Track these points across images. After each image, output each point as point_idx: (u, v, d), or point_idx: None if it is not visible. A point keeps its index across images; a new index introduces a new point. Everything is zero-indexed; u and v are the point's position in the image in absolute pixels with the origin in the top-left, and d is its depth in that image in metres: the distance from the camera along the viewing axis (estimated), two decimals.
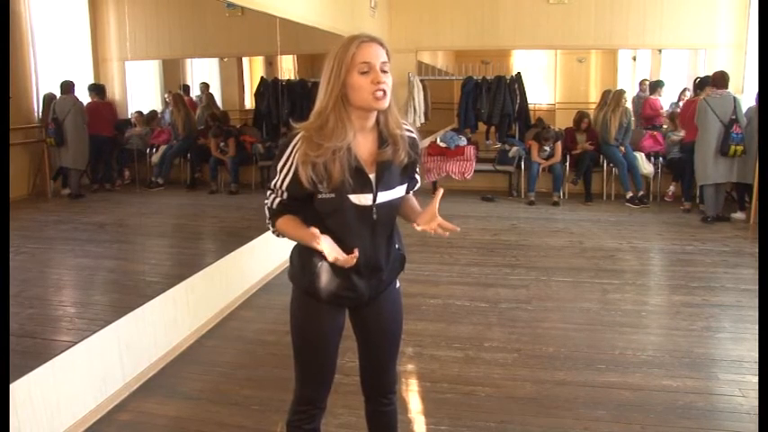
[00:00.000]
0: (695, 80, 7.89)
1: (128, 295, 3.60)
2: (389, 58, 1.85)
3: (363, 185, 1.87)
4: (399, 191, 1.96)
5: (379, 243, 1.96)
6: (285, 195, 1.90)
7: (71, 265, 3.75)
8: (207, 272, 4.16)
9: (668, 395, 3.14)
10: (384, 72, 1.82)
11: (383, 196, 1.91)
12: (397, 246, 2.04)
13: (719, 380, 3.31)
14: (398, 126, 1.92)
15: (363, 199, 1.88)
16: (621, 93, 8.10)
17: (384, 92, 1.81)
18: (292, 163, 1.84)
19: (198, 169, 5.39)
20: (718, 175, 6.78)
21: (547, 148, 8.09)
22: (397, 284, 2.13)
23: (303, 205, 1.90)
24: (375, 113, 1.89)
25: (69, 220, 3.89)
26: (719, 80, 6.83)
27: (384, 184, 1.90)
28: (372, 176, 1.88)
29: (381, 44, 1.85)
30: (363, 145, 1.89)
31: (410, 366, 3.53)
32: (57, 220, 3.83)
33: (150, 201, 4.55)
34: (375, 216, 1.91)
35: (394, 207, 1.97)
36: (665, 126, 8.24)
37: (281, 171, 1.87)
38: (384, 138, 1.90)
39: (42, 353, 2.81)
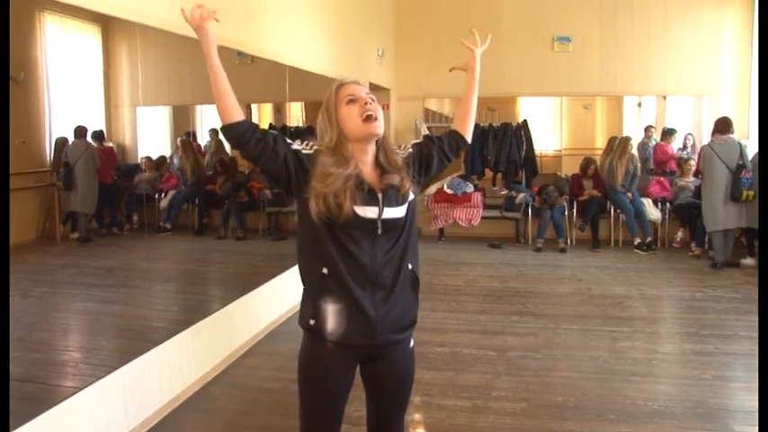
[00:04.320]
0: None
1: (134, 340, 3.58)
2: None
3: (370, 200, 1.90)
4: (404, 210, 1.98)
5: (386, 259, 1.93)
6: (277, 138, 1.91)
7: (78, 310, 3.75)
8: (213, 318, 4.13)
9: None
10: (371, 101, 1.94)
11: (389, 212, 1.92)
12: (410, 266, 2.00)
13: None
14: (394, 153, 2.01)
15: (369, 212, 1.90)
16: (628, 139, 8.16)
17: (374, 115, 1.91)
18: (295, 148, 1.91)
19: (206, 215, 5.42)
20: (727, 221, 6.76)
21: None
22: (411, 343, 2.09)
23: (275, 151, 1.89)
24: (373, 148, 1.96)
25: (77, 264, 3.91)
26: (722, 126, 6.87)
27: (389, 200, 1.93)
28: (380, 195, 1.92)
29: (361, 84, 2.02)
30: (368, 174, 1.95)
31: (417, 416, 3.47)
32: (65, 263, 3.85)
33: (158, 245, 4.56)
34: (380, 231, 1.91)
35: (400, 226, 1.96)
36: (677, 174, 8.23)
37: (290, 141, 1.94)
38: (386, 170, 1.96)
39: (46, 399, 2.78)
